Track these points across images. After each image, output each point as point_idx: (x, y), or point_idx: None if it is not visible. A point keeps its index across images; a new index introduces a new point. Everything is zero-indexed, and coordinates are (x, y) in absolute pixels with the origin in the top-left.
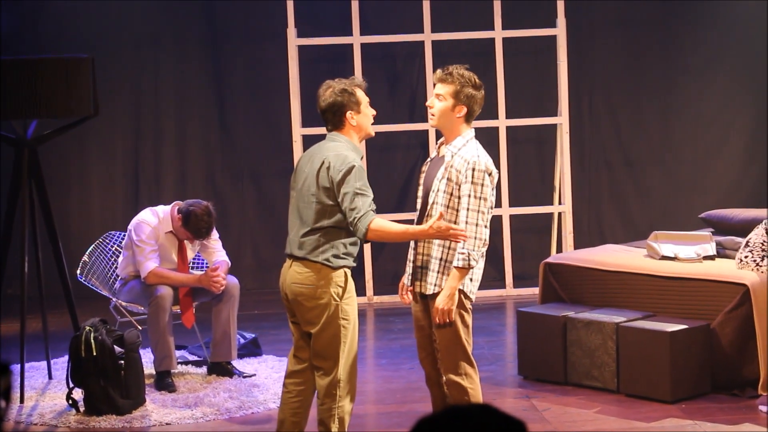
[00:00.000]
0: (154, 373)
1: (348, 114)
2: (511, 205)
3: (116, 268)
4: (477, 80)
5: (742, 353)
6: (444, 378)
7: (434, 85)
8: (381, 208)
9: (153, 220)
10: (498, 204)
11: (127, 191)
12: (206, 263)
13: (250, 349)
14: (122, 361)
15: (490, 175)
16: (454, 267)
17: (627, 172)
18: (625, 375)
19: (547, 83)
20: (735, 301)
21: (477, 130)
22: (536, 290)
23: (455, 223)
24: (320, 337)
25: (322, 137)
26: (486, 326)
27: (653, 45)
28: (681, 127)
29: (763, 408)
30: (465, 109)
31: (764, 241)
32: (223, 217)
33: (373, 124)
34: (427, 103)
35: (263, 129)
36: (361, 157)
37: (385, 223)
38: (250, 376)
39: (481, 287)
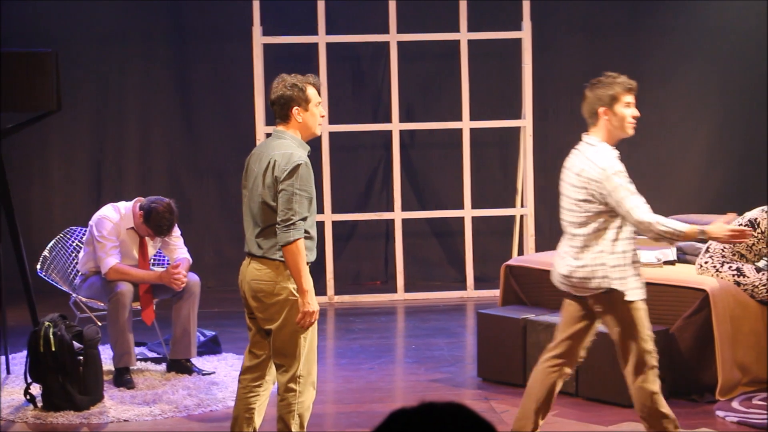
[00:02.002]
0: (113, 369)
1: (294, 110)
2: (473, 206)
3: (77, 263)
4: None
5: (700, 359)
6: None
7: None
8: (343, 206)
9: (114, 216)
10: (460, 206)
11: (89, 187)
12: (167, 260)
13: (210, 347)
14: (81, 357)
15: None
16: None
17: None
18: (584, 378)
19: (511, 86)
20: (694, 306)
21: (439, 131)
22: (497, 292)
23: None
24: (280, 333)
25: None
26: (446, 327)
27: (618, 50)
28: (644, 132)
29: (720, 413)
30: None
31: (724, 248)
32: (186, 214)
33: (334, 123)
34: (636, 115)
35: (227, 127)
36: (309, 153)
37: (303, 251)
38: (210, 374)
39: (441, 288)
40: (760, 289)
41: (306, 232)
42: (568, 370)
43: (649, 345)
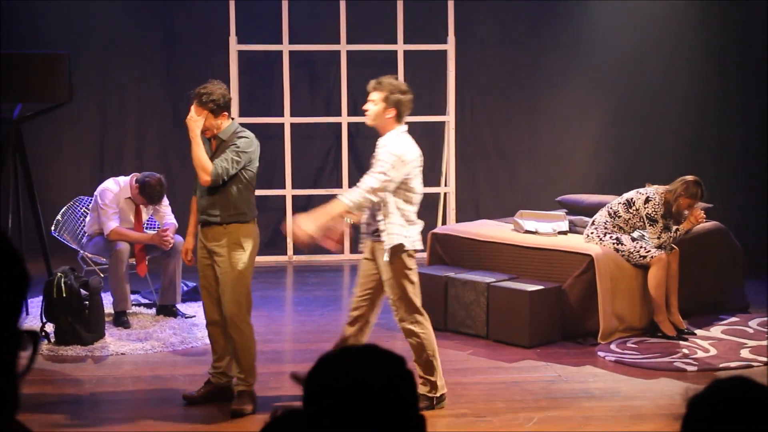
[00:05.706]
0: (112, 312)
1: None
2: None
3: (84, 226)
4: (404, 86)
5: (585, 309)
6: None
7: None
8: (301, 183)
9: (115, 187)
10: None
11: (93, 164)
12: (158, 224)
13: (192, 296)
14: (87, 302)
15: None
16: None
17: (500, 162)
18: (493, 325)
19: (438, 88)
20: (582, 267)
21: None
22: (425, 255)
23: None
24: None
25: (255, 125)
26: None
27: (525, 61)
28: (544, 128)
29: (601, 354)
30: (394, 111)
31: (606, 221)
32: (173, 187)
33: (295, 116)
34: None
35: None
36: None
37: None
38: (191, 317)
39: None
40: (634, 255)
41: None
42: None
43: None
